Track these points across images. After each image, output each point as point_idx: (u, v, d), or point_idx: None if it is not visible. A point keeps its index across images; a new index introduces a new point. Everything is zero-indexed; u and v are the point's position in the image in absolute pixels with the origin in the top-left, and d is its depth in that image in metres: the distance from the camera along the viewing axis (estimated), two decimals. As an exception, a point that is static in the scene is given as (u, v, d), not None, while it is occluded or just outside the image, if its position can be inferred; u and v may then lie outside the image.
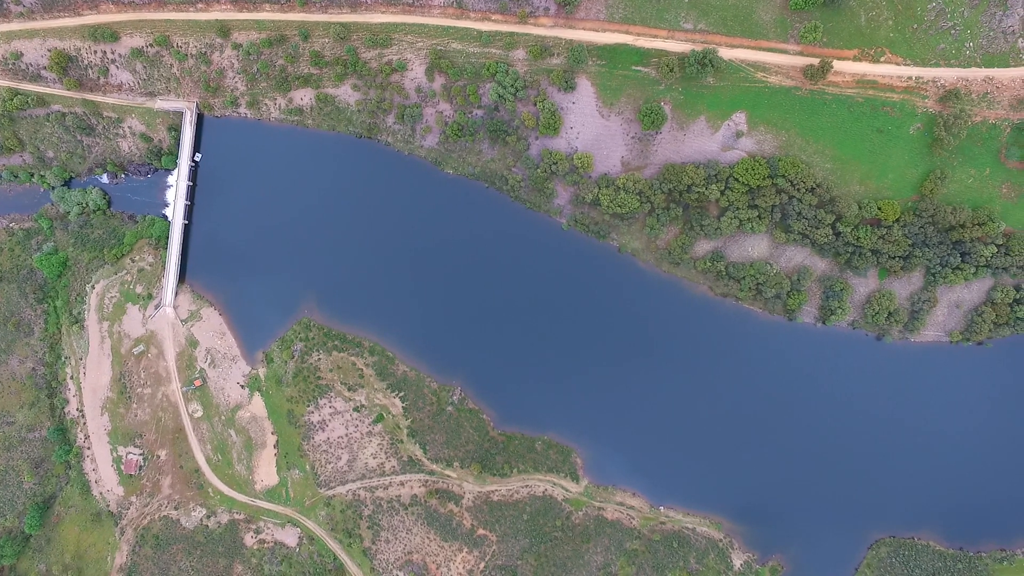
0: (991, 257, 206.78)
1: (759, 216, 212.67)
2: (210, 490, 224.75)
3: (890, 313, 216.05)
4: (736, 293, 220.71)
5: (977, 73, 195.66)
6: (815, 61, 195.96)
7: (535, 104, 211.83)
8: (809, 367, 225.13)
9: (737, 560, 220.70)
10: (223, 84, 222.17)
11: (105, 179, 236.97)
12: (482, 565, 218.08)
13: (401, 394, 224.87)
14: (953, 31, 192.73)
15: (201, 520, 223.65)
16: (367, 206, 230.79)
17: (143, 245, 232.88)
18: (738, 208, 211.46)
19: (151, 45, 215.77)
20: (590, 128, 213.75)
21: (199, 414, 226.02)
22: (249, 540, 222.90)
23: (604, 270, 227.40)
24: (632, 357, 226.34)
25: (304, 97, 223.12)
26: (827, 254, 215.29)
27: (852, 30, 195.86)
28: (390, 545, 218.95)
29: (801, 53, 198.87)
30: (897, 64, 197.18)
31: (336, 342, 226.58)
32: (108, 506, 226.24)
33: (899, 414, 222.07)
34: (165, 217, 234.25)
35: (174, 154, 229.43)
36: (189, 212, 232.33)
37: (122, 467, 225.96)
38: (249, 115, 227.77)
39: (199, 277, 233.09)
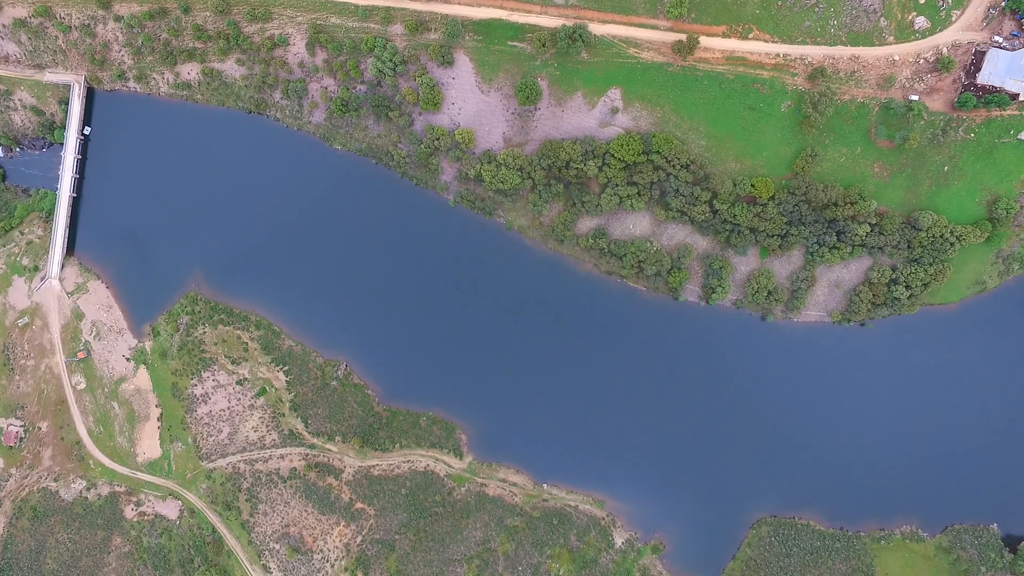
0: (865, 236, 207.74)
1: (638, 193, 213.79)
2: (91, 462, 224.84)
3: (770, 292, 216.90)
4: (620, 271, 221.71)
5: (843, 51, 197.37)
6: (683, 37, 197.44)
7: (415, 79, 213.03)
8: (695, 346, 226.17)
9: (619, 538, 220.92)
10: (109, 57, 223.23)
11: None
12: (359, 539, 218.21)
13: (285, 368, 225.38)
14: (817, 8, 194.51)
15: (81, 492, 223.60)
16: (258, 182, 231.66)
17: (34, 218, 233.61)
18: (617, 185, 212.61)
19: (33, 16, 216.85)
20: (471, 104, 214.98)
21: (82, 386, 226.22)
22: (129, 512, 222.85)
23: (493, 247, 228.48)
24: (520, 334, 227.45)
25: (191, 72, 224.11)
26: (707, 232, 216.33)
27: (719, 6, 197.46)
28: (268, 518, 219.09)
29: (671, 29, 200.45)
30: (765, 41, 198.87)
31: (222, 316, 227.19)
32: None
33: (783, 394, 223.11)
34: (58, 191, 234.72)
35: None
36: (79, 185, 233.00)
37: (2, 439, 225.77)
38: (138, 89, 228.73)
39: (88, 250, 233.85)
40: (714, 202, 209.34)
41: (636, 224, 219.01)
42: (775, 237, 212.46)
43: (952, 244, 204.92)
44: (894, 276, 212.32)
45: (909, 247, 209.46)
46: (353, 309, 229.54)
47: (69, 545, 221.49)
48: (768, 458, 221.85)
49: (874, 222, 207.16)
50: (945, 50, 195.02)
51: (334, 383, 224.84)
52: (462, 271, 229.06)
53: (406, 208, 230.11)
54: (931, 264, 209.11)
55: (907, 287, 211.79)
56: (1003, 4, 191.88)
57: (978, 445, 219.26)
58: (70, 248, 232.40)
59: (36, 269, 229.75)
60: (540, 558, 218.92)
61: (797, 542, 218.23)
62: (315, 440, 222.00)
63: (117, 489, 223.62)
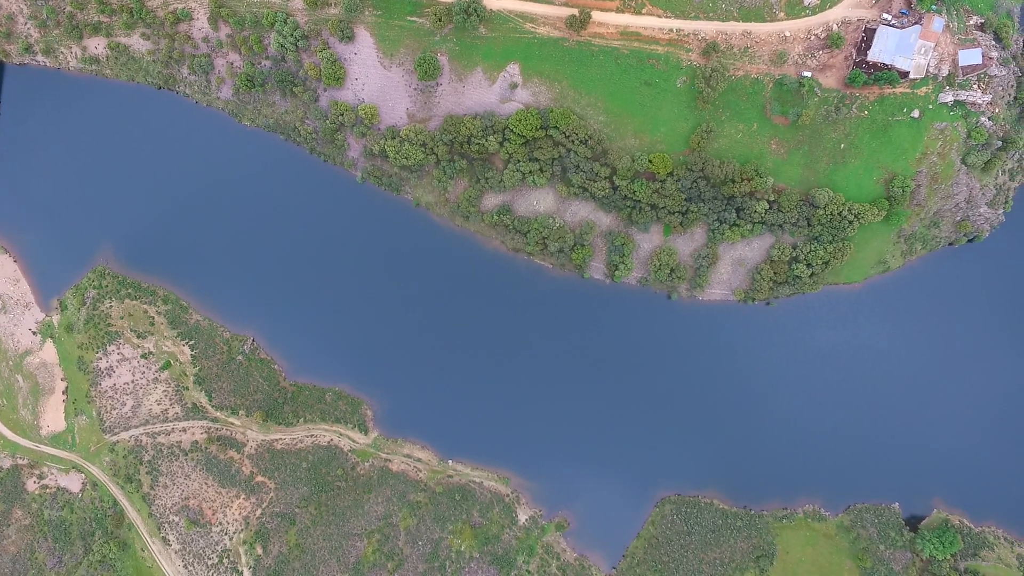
0: (764, 213, 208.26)
1: (540, 169, 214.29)
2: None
3: (673, 269, 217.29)
4: (525, 248, 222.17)
5: (735, 27, 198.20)
6: (576, 11, 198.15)
7: (317, 55, 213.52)
8: (602, 324, 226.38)
9: (523, 515, 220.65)
10: (15, 30, 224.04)
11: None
12: (258, 512, 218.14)
13: (191, 342, 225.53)
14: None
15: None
16: (167, 158, 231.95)
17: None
18: (519, 161, 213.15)
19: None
20: (374, 79, 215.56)
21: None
22: (31, 486, 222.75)
23: (401, 224, 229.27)
24: (428, 310, 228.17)
25: (98, 46, 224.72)
26: (609, 208, 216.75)
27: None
28: (168, 491, 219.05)
29: (565, 4, 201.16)
30: (658, 16, 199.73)
31: (130, 290, 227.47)
32: None
33: (688, 373, 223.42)
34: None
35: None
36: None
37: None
38: (48, 63, 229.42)
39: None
40: (614, 178, 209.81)
41: (540, 200, 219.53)
42: (676, 214, 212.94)
43: (850, 222, 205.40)
44: (795, 254, 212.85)
45: (808, 225, 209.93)
46: (262, 285, 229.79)
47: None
48: (673, 437, 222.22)
49: (772, 199, 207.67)
50: (835, 27, 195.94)
51: (240, 357, 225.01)
52: (371, 248, 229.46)
53: (315, 185, 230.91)
54: (831, 242, 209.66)
55: (808, 265, 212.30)
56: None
57: (882, 425, 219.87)
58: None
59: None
60: (442, 533, 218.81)
61: (699, 520, 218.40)
62: (218, 413, 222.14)
63: (20, 462, 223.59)
